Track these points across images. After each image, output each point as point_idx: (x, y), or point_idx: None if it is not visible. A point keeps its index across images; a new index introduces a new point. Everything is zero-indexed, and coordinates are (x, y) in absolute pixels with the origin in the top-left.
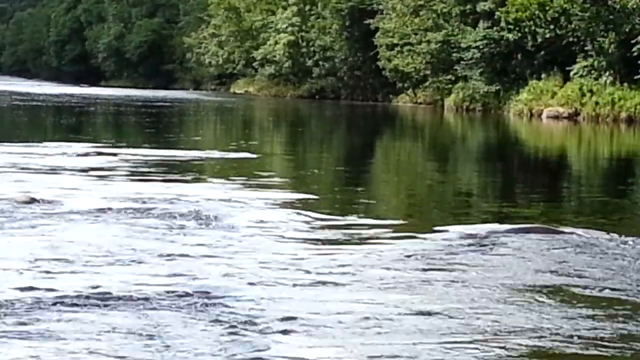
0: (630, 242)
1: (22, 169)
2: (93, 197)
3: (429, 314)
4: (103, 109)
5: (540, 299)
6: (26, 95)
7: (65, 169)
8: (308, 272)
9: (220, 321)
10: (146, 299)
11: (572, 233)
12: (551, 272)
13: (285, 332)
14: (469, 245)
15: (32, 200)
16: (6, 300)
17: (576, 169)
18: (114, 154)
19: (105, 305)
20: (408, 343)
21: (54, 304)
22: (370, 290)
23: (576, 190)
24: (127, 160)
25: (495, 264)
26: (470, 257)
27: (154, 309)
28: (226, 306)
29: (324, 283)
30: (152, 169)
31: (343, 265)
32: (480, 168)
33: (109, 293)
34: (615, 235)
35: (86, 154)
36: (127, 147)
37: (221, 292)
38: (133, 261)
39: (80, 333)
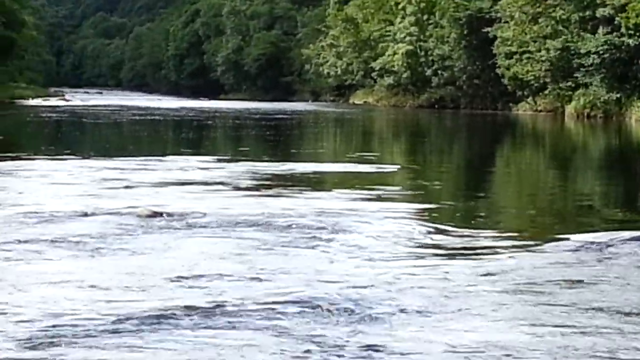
0: None
1: (143, 182)
2: (215, 210)
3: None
4: (222, 122)
5: None
6: (145, 110)
7: (187, 183)
8: (429, 286)
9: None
10: (274, 310)
11: None
12: None
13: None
14: (591, 252)
15: (156, 214)
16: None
17: None
18: (235, 167)
19: (232, 320)
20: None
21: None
22: (498, 300)
23: None
24: (246, 173)
25: (617, 273)
26: (592, 266)
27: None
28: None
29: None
30: (272, 182)
31: (467, 276)
32: (602, 175)
33: (233, 306)
34: None
35: (207, 168)
36: (246, 160)
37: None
38: (255, 276)
39: (211, 346)
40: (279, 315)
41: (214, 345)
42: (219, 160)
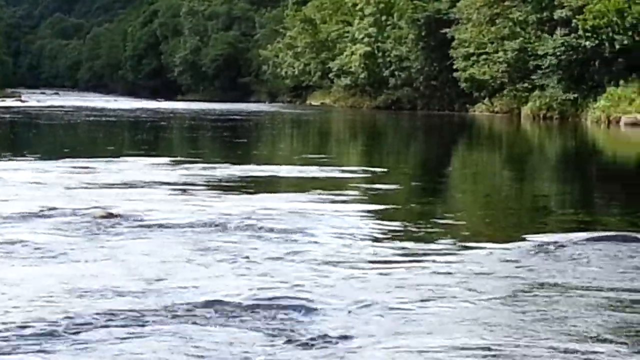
0: None
1: (97, 184)
2: (171, 211)
3: (503, 320)
4: (178, 124)
5: (618, 306)
6: (100, 111)
7: (142, 184)
8: (385, 283)
9: (289, 334)
10: (221, 311)
11: None
12: (630, 279)
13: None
14: (547, 253)
15: (110, 215)
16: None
17: None
18: (191, 169)
19: (169, 321)
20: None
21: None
22: (454, 300)
23: None
24: (201, 175)
25: (572, 271)
26: (547, 265)
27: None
28: (290, 317)
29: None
30: (226, 184)
31: (418, 276)
32: (558, 177)
33: (178, 306)
34: None
35: (162, 170)
36: (202, 161)
37: (288, 303)
38: (206, 275)
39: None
40: (223, 317)
41: (153, 349)
42: (174, 162)
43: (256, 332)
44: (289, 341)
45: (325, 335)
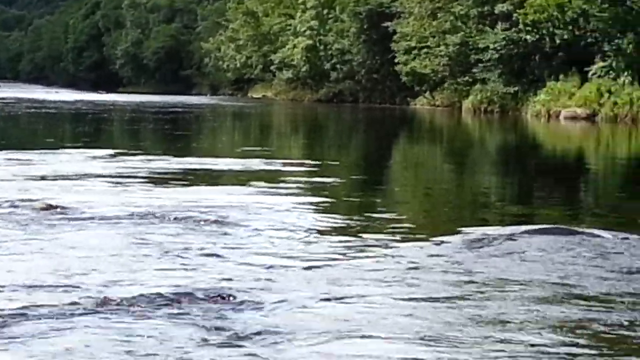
0: None
1: (36, 176)
2: (111, 203)
3: (443, 313)
4: (119, 116)
5: (554, 298)
6: (41, 103)
7: (81, 176)
8: (319, 278)
9: (222, 328)
10: (152, 301)
11: (590, 233)
12: (567, 271)
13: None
14: (487, 246)
15: (50, 207)
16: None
17: (594, 169)
18: (130, 161)
19: (104, 311)
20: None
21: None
22: (389, 296)
23: (594, 191)
24: (141, 167)
25: (512, 264)
26: (488, 258)
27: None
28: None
29: (336, 282)
30: (165, 176)
31: (355, 270)
32: (499, 170)
33: (108, 300)
34: (634, 235)
35: (102, 162)
36: (142, 154)
37: (221, 296)
38: (139, 268)
39: (74, 341)
40: (154, 310)
41: (86, 342)
42: (114, 155)
43: (187, 325)
44: (219, 334)
45: (257, 330)
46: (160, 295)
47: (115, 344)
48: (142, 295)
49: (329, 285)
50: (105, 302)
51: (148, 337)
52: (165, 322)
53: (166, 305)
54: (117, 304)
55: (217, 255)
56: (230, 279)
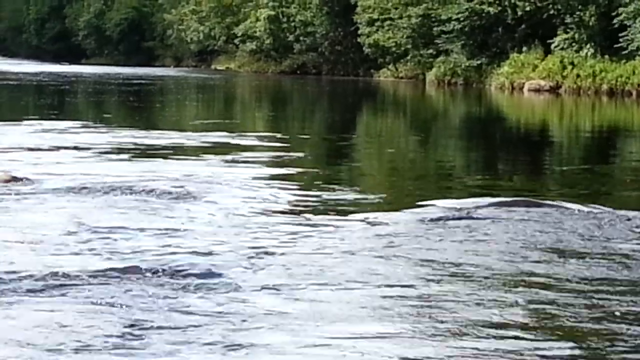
0: (612, 213)
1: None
2: (73, 175)
3: (407, 289)
4: (82, 88)
5: (523, 270)
6: (3, 75)
7: (45, 148)
8: (283, 249)
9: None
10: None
11: (554, 205)
12: (533, 243)
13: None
14: (452, 219)
15: (13, 179)
16: None
17: (558, 141)
18: (94, 134)
19: (64, 284)
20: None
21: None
22: (356, 266)
23: (558, 163)
24: (106, 139)
25: (478, 237)
26: (452, 231)
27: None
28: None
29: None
30: (131, 148)
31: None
32: (463, 142)
33: (70, 272)
34: (598, 207)
35: (65, 134)
36: (105, 126)
37: (185, 268)
38: (105, 238)
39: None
40: (116, 283)
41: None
42: (77, 127)
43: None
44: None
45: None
46: (122, 268)
47: (71, 313)
48: (96, 269)
49: (292, 260)
50: (60, 273)
51: (113, 303)
52: (128, 286)
53: (126, 276)
54: (75, 276)
55: (178, 226)
56: (193, 249)
